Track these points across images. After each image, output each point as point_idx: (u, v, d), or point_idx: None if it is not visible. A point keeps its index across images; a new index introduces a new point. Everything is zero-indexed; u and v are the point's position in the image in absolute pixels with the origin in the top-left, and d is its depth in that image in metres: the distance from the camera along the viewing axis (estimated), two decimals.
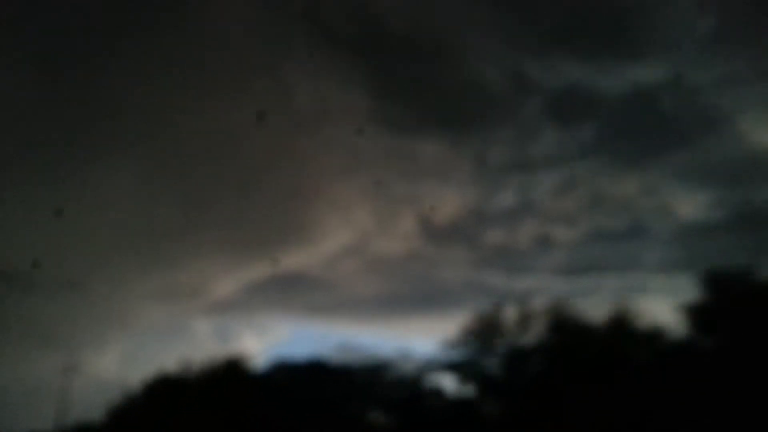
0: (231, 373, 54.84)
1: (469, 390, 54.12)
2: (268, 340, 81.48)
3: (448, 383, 55.38)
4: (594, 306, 72.91)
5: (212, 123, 57.96)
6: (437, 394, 54.81)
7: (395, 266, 75.31)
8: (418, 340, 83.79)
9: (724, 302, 48.28)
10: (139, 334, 71.96)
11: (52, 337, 62.00)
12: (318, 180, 67.68)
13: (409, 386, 55.05)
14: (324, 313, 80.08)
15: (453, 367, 55.61)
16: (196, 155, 60.73)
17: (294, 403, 51.62)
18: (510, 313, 75.89)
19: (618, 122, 63.31)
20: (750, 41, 56.59)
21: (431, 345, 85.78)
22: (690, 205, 64.37)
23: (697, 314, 48.54)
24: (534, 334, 60.72)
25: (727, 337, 45.73)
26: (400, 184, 68.79)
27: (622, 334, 50.00)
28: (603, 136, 64.93)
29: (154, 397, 54.72)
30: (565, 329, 51.97)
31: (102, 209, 56.39)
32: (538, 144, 66.21)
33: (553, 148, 66.10)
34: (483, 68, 61.48)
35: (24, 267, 61.25)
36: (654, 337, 49.51)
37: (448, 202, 70.07)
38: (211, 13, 52.96)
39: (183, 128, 57.40)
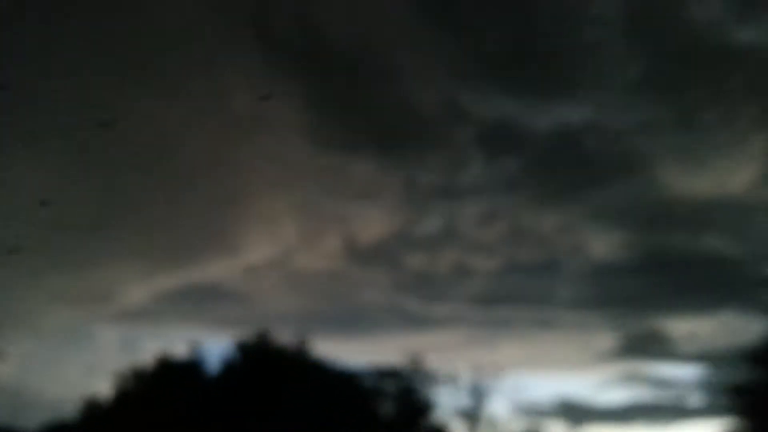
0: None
1: None
2: (179, 352, 78.59)
3: None
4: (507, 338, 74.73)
5: (141, 121, 55.68)
6: None
7: (315, 284, 74.50)
8: (335, 360, 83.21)
9: None
10: (39, 339, 67.79)
11: None
12: (246, 190, 66.18)
13: None
14: (237, 328, 78.03)
15: None
16: (121, 153, 58.08)
17: None
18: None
19: (542, 159, 65.38)
20: (673, 90, 59.88)
21: (349, 366, 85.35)
22: (603, 244, 67.04)
23: None
24: None
25: None
26: (329, 202, 68.34)
27: None
28: (528, 170, 66.89)
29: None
30: None
31: (9, 198, 52.92)
32: (466, 173, 67.39)
33: (480, 178, 67.46)
34: (419, 92, 62.20)
35: None
36: None
37: (375, 223, 70.11)
38: (151, 5, 51.14)
39: (114, 129, 54.88)
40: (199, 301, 71.76)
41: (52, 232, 61.04)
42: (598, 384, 63.34)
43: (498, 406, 72.02)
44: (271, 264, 70.90)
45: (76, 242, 63.53)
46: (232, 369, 56.81)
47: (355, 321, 75.26)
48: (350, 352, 79.57)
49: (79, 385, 69.35)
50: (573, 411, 65.57)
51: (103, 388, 71.28)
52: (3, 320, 60.39)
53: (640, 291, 67.30)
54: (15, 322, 60.92)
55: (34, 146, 54.81)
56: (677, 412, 60.76)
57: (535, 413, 70.68)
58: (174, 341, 75.97)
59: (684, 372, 67.74)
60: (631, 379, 58.35)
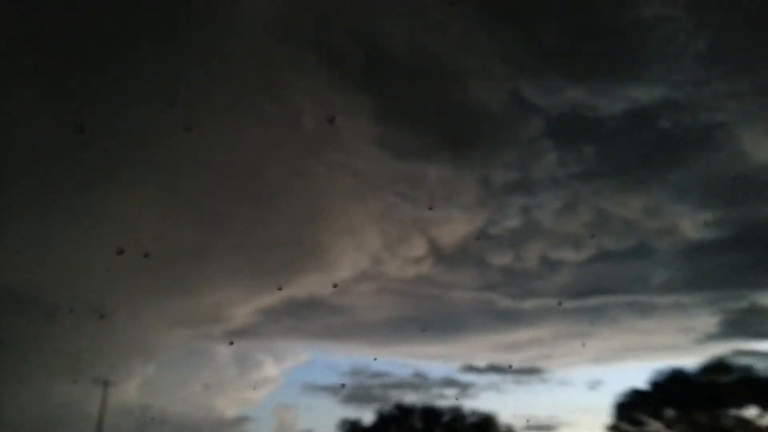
0: None
1: None
2: (286, 366, 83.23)
3: None
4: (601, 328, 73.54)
5: (224, 149, 60.43)
6: None
7: (406, 290, 76.79)
8: (431, 363, 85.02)
9: None
10: (162, 361, 74.17)
11: (77, 365, 63.96)
12: (329, 206, 69.69)
13: None
14: (338, 338, 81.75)
15: None
16: (209, 182, 63.16)
17: None
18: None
19: (618, 142, 64.41)
20: (747, 57, 57.41)
21: (444, 367, 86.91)
22: (692, 223, 64.94)
23: None
24: None
25: None
26: (408, 209, 70.46)
27: None
28: (604, 156, 66.07)
29: None
30: None
31: (120, 237, 58.76)
32: (541, 166, 67.43)
33: (556, 170, 67.27)
34: (483, 91, 63.06)
35: (49, 296, 64.11)
36: None
37: (455, 225, 71.64)
38: (218, 39, 55.56)
39: (196, 155, 59.93)
40: (299, 316, 76.09)
41: (164, 263, 66.84)
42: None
43: (604, 398, 71.06)
44: (362, 275, 73.98)
45: (185, 271, 69.27)
46: None
47: (446, 323, 76.83)
48: (445, 354, 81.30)
49: (201, 401, 75.06)
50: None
51: (222, 403, 76.73)
52: (127, 346, 66.60)
53: (736, 268, 64.68)
54: (137, 346, 67.07)
55: (136, 186, 60.69)
56: None
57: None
58: (280, 354, 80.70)
59: None
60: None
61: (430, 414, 61.18)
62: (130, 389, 69.90)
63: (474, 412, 61.46)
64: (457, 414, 61.24)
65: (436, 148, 66.14)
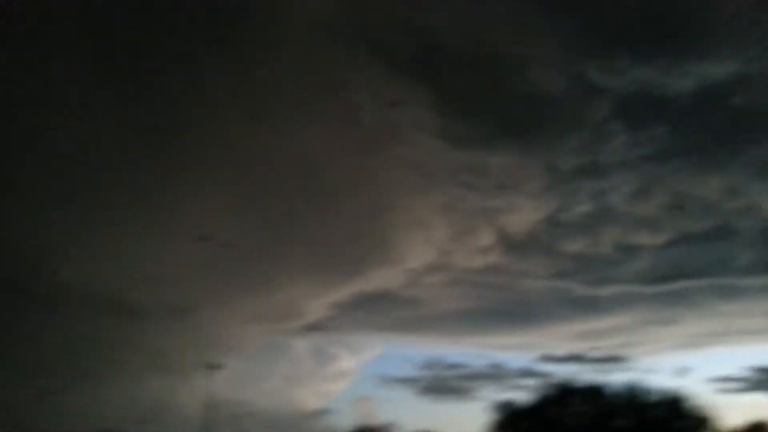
0: None
1: None
2: (362, 358, 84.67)
3: None
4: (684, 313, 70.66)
5: (289, 150, 62.13)
6: None
7: (477, 280, 76.31)
8: (507, 353, 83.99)
9: None
10: (243, 356, 77.07)
11: (163, 362, 67.31)
12: (394, 199, 70.19)
13: None
14: (412, 330, 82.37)
15: None
16: (279, 183, 65.08)
17: None
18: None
19: (690, 121, 61.63)
20: None
21: (521, 358, 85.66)
22: None
23: None
24: None
25: None
26: (475, 199, 69.99)
27: None
28: (676, 136, 63.40)
29: None
30: None
31: (195, 241, 61.56)
32: (610, 148, 65.48)
33: (626, 152, 65.18)
34: (545, 76, 61.74)
35: (137, 298, 67.87)
36: None
37: (523, 212, 70.55)
38: (279, 43, 57.01)
39: (263, 157, 61.93)
40: (371, 309, 77.17)
41: (241, 263, 69.21)
42: None
43: (694, 385, 68.08)
44: (431, 267, 74.19)
45: (261, 269, 71.56)
46: None
47: (520, 312, 75.90)
48: (521, 345, 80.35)
49: (282, 394, 77.49)
50: None
51: (302, 396, 78.96)
52: (211, 342, 69.41)
53: None
54: (220, 342, 69.85)
55: (212, 193, 63.10)
56: None
57: (730, 387, 65.71)
58: (354, 347, 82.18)
59: None
60: None
61: (595, 393, 53.96)
62: (216, 383, 73.00)
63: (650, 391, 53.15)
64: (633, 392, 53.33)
65: (499, 136, 65.53)
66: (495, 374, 78.39)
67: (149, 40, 56.36)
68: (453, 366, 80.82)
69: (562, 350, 76.97)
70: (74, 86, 56.43)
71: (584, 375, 64.20)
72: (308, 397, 79.25)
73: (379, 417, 62.70)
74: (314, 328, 76.87)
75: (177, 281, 66.85)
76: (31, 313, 62.23)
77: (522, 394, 59.07)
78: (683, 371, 71.53)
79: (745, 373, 70.12)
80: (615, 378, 67.34)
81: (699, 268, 69.61)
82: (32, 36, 54.52)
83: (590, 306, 73.73)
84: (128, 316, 66.09)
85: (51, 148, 58.47)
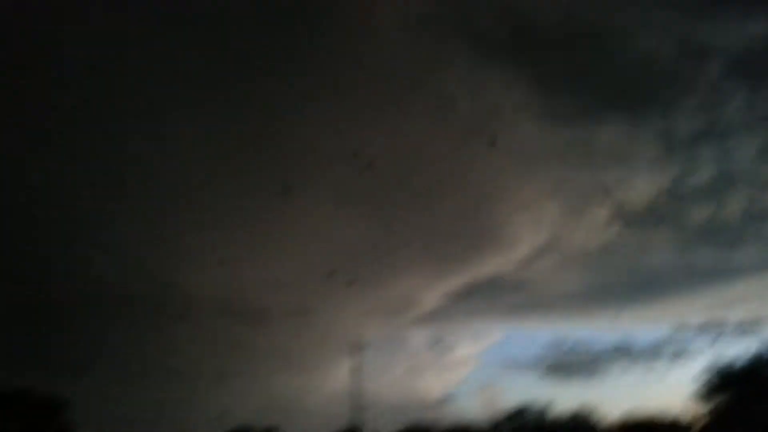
0: None
1: None
2: (481, 345, 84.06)
3: None
4: None
5: (390, 146, 62.38)
6: None
7: (596, 258, 73.70)
8: (636, 328, 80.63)
9: None
10: (365, 350, 78.36)
11: (288, 361, 69.76)
12: (499, 184, 69.03)
13: None
14: (531, 314, 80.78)
15: None
16: (383, 178, 65.46)
17: None
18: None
19: None
20: None
21: (651, 332, 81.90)
22: None
23: None
24: None
25: None
26: (584, 175, 67.62)
27: None
28: None
29: None
30: None
31: (307, 240, 63.24)
32: (728, 109, 61.26)
33: (746, 111, 60.77)
34: (650, 42, 58.58)
35: (256, 300, 70.55)
36: None
37: (640, 184, 67.30)
38: (369, 40, 57.36)
39: (365, 154, 62.49)
40: (485, 295, 76.35)
41: (354, 259, 70.41)
42: None
43: None
44: (545, 248, 72.41)
45: (371, 265, 72.57)
46: None
47: (646, 286, 72.62)
48: (650, 318, 76.93)
49: (404, 385, 78.43)
50: None
51: (424, 385, 79.51)
52: (331, 338, 71.08)
53: None
54: (340, 338, 71.45)
55: (313, 188, 64.25)
56: None
57: None
58: (472, 334, 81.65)
59: None
60: None
61: None
62: (340, 378, 74.91)
63: None
64: None
65: (606, 109, 62.90)
66: (625, 350, 75.50)
67: (250, 42, 57.98)
68: (578, 345, 78.45)
69: (695, 321, 73.27)
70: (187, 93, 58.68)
71: (722, 345, 60.69)
72: (430, 387, 79.73)
73: (504, 402, 62.19)
74: (430, 318, 77.14)
75: (296, 283, 68.92)
76: (163, 325, 66.24)
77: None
78: None
79: None
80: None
81: None
82: (150, 39, 57.09)
83: (721, 274, 69.63)
84: (252, 320, 68.88)
85: (166, 161, 61.51)
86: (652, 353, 71.56)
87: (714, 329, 68.48)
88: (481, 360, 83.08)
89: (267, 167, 63.65)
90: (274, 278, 67.96)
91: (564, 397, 76.51)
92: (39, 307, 58.10)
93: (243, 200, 65.00)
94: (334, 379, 73.23)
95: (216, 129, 60.87)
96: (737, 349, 66.99)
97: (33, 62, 56.35)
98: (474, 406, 75.05)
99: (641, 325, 78.84)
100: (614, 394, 72.05)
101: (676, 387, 69.71)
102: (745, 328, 67.46)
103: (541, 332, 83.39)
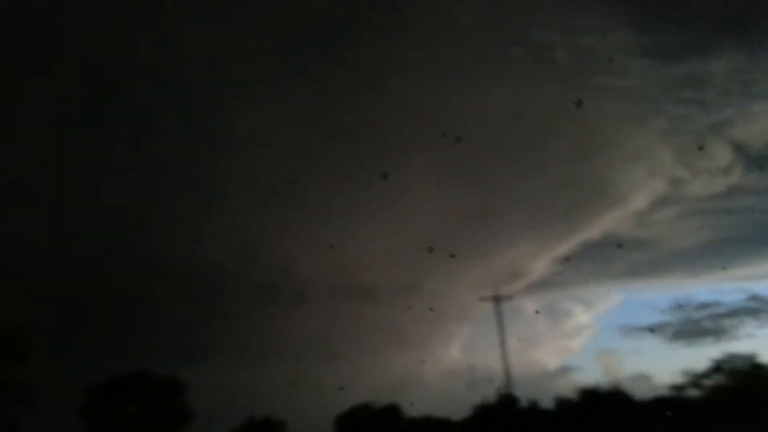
0: None
1: None
2: (598, 311, 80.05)
3: None
4: None
5: (486, 105, 60.18)
6: None
7: (718, 207, 67.88)
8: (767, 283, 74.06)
9: None
10: (473, 323, 76.78)
11: (401, 338, 69.62)
12: (608, 134, 65.02)
13: None
14: (650, 274, 75.79)
15: None
16: (482, 141, 63.23)
17: None
18: None
19: None
20: None
21: None
22: None
23: None
24: None
25: None
26: (699, 115, 62.21)
27: None
28: None
29: None
30: None
31: (409, 219, 62.41)
32: None
33: None
34: None
35: (366, 279, 70.68)
36: None
37: (762, 120, 60.92)
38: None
39: (460, 119, 60.74)
40: (599, 258, 72.38)
41: (458, 231, 68.93)
42: None
43: None
44: (661, 201, 67.50)
45: (474, 236, 70.93)
46: None
47: None
48: None
49: (520, 356, 76.27)
50: None
51: (541, 356, 77.03)
52: (439, 313, 70.23)
53: None
54: (449, 313, 70.39)
55: (410, 166, 63.31)
56: None
57: None
58: (588, 300, 78.12)
59: None
60: None
61: None
62: (452, 352, 73.88)
63: None
64: None
65: (717, 40, 57.42)
66: (757, 308, 69.37)
67: (335, 47, 57.89)
68: (704, 305, 72.79)
69: None
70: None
71: None
72: (547, 356, 77.18)
73: (627, 369, 58.85)
74: (541, 285, 74.31)
75: (402, 260, 68.48)
76: (283, 308, 68.13)
77: None
78: None
79: None
80: None
81: None
82: (249, 37, 58.20)
83: None
84: (363, 298, 69.24)
85: (270, 158, 62.81)
86: None
87: None
88: (598, 326, 79.40)
89: (364, 155, 63.66)
90: (380, 258, 67.96)
91: (692, 361, 71.81)
92: (163, 297, 61.21)
93: (345, 187, 65.48)
94: (447, 354, 72.27)
95: (314, 124, 61.69)
96: None
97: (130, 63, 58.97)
98: (595, 375, 71.79)
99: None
100: None
101: None
102: None
103: (663, 292, 78.52)
